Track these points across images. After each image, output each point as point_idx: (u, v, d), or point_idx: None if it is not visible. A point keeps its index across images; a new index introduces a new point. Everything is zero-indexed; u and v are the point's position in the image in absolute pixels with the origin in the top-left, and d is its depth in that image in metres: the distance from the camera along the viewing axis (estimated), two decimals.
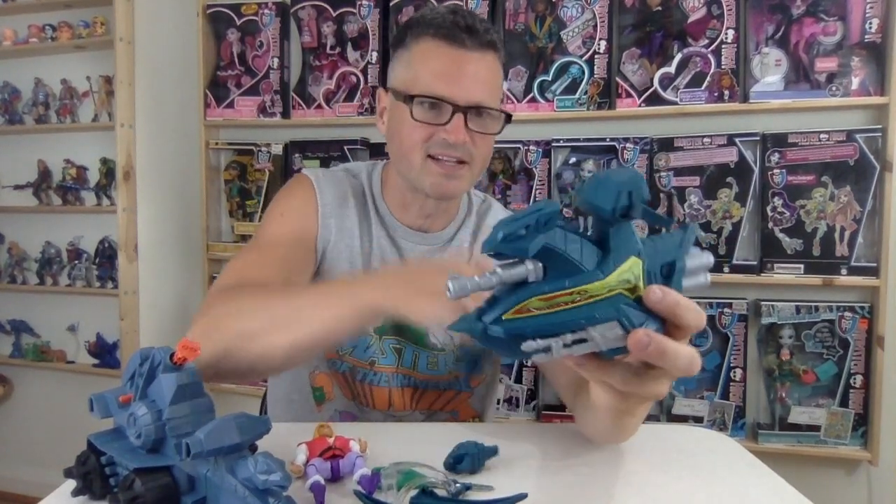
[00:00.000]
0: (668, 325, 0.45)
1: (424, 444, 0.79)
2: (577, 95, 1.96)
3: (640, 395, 0.49)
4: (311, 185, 1.02)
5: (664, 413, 1.94)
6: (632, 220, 0.43)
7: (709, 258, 0.46)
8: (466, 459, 0.72)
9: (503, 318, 0.42)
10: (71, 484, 0.62)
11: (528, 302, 0.42)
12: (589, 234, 0.44)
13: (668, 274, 0.45)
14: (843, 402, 1.82)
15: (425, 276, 0.68)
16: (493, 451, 0.73)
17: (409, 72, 0.94)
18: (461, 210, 1.09)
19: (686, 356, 0.44)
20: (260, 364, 0.74)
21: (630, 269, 0.43)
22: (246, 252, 0.96)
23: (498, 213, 1.12)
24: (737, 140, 1.85)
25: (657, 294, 0.43)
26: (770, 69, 1.83)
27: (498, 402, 2.03)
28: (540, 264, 0.42)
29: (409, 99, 0.92)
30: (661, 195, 1.91)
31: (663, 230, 0.51)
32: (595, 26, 1.95)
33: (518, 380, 2.04)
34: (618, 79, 1.93)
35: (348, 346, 1.01)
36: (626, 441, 0.81)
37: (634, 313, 0.43)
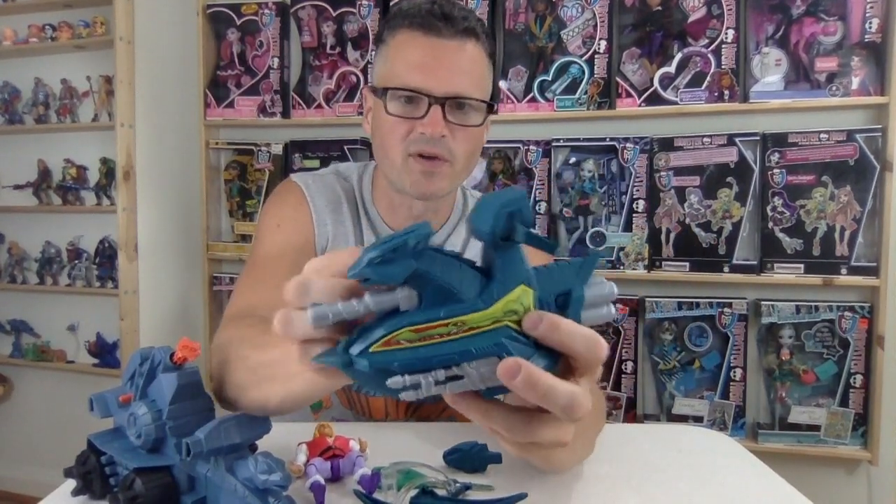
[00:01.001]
0: (563, 360, 0.38)
1: (424, 444, 0.79)
2: (577, 95, 1.96)
3: (532, 442, 0.40)
4: (302, 193, 0.99)
5: (664, 413, 1.94)
6: (516, 244, 0.38)
7: (611, 288, 0.40)
8: (458, 454, 0.72)
9: (370, 350, 0.37)
10: (71, 484, 0.62)
11: (398, 333, 0.37)
12: (476, 263, 0.39)
13: (564, 305, 0.39)
14: (843, 402, 1.82)
15: None
16: (497, 458, 0.73)
17: (386, 66, 0.90)
18: (454, 212, 1.05)
19: (565, 394, 0.36)
20: (262, 412, 0.66)
21: (518, 300, 0.37)
22: (250, 269, 0.93)
23: None
24: (737, 140, 1.85)
25: (533, 319, 0.37)
26: (770, 69, 1.83)
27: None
28: (414, 292, 0.37)
29: (383, 93, 0.88)
30: (662, 195, 1.91)
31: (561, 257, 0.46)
32: (595, 26, 1.95)
33: None
34: (618, 79, 1.93)
35: None
36: (575, 466, 0.72)
37: (518, 347, 0.37)
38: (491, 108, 0.91)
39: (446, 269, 0.37)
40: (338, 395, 1.01)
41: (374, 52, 0.92)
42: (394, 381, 0.37)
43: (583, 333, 0.37)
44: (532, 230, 0.38)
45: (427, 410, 1.02)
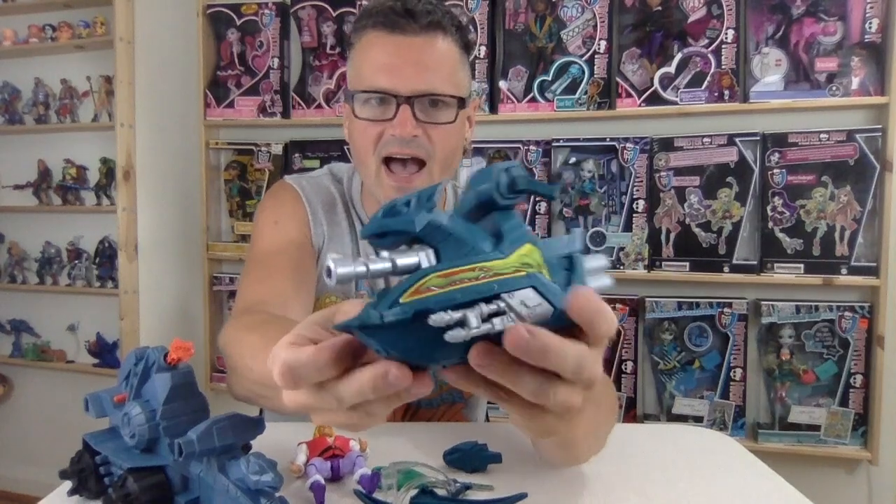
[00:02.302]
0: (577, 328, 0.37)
1: (424, 444, 0.79)
2: (577, 95, 1.96)
3: (543, 407, 0.38)
4: (297, 193, 0.99)
5: (664, 413, 1.93)
6: (517, 200, 0.37)
7: (605, 260, 0.41)
8: (458, 454, 0.72)
9: (400, 301, 0.34)
10: (70, 484, 0.62)
11: (426, 280, 0.34)
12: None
13: (569, 267, 0.39)
14: (843, 402, 1.81)
15: None
16: (497, 458, 0.73)
17: (354, 70, 0.88)
18: (448, 205, 1.04)
19: (574, 355, 0.35)
20: (280, 414, 0.73)
21: (530, 255, 0.37)
22: (251, 267, 0.92)
23: None
24: (737, 140, 1.84)
25: (582, 297, 0.35)
26: (770, 69, 1.83)
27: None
28: (431, 249, 0.36)
29: (351, 98, 0.87)
30: (662, 195, 1.90)
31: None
32: (595, 26, 1.94)
33: None
34: (618, 79, 1.93)
35: None
36: (591, 456, 0.73)
37: (550, 286, 0.36)
38: (463, 103, 0.88)
39: (459, 225, 0.36)
40: None
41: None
42: (437, 318, 0.33)
43: (609, 316, 0.36)
44: (532, 178, 0.37)
45: (424, 418, 1.02)
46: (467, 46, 0.92)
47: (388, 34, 0.84)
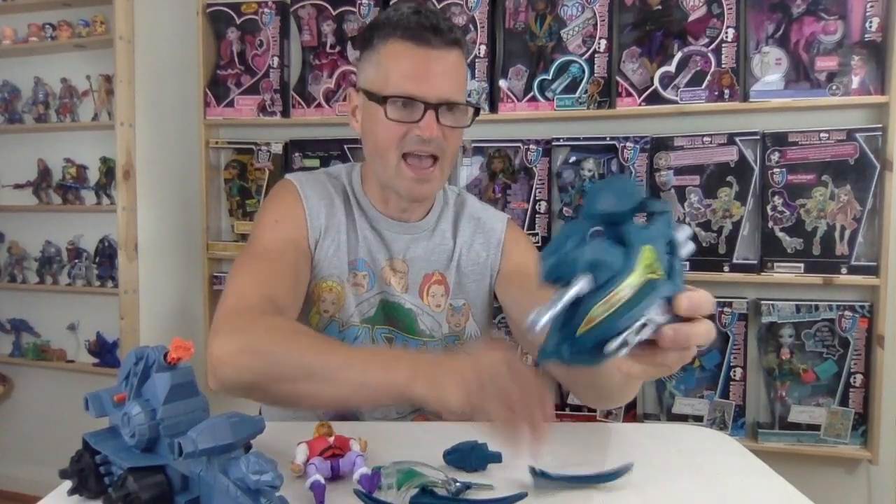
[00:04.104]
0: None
1: (424, 444, 0.79)
2: (577, 94, 1.96)
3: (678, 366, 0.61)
4: (297, 190, 1.06)
5: (664, 413, 1.93)
6: (640, 213, 0.53)
7: (689, 231, 0.56)
8: (457, 454, 0.72)
9: (578, 334, 0.51)
10: (70, 484, 0.62)
11: (591, 312, 0.50)
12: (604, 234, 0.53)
13: (671, 251, 0.54)
14: (843, 402, 1.81)
15: (455, 363, 0.69)
16: (497, 458, 0.73)
17: (380, 73, 0.98)
18: (438, 199, 1.14)
19: (704, 333, 0.56)
20: (283, 403, 0.85)
21: (649, 260, 0.52)
22: (249, 262, 0.97)
23: (474, 204, 1.17)
24: (737, 139, 1.84)
25: (685, 302, 0.54)
26: (770, 68, 1.83)
27: None
28: (590, 275, 0.50)
29: (382, 100, 0.96)
30: (662, 194, 1.90)
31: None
32: (595, 25, 1.94)
33: None
34: (618, 78, 1.92)
35: (339, 336, 1.03)
36: (627, 399, 0.92)
37: (666, 289, 0.53)
38: (477, 112, 1.02)
39: (604, 252, 0.51)
40: None
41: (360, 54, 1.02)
42: (610, 347, 0.50)
43: (708, 303, 0.56)
44: (651, 198, 0.55)
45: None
46: (469, 56, 1.09)
47: (415, 45, 0.95)
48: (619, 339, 0.50)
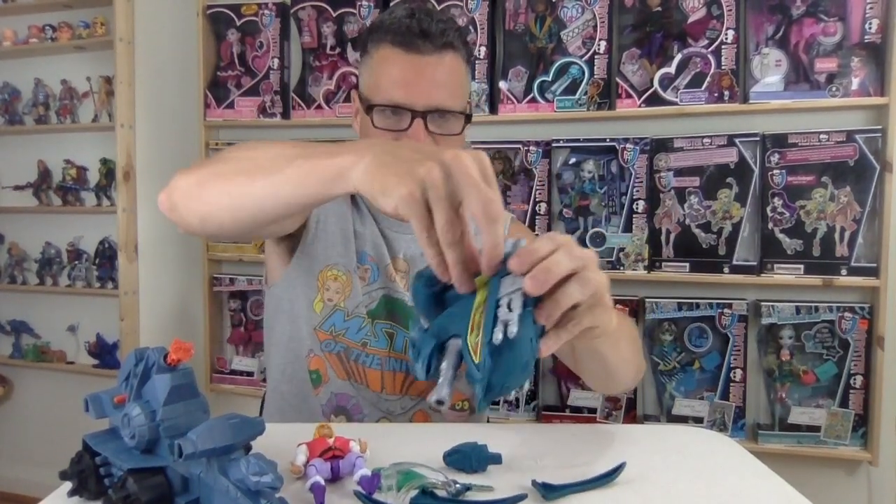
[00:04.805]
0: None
1: (424, 445, 0.79)
2: (577, 96, 1.96)
3: (588, 328, 0.59)
4: None
5: (664, 413, 1.93)
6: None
7: (511, 243, 0.57)
8: (456, 456, 0.72)
9: (477, 362, 0.51)
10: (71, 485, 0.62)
11: (470, 343, 0.52)
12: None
13: (503, 272, 0.55)
14: (843, 403, 1.81)
15: (412, 152, 0.57)
16: (497, 459, 0.73)
17: (372, 79, 0.96)
18: None
19: (546, 248, 0.54)
20: (233, 203, 0.72)
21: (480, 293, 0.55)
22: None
23: None
24: (737, 140, 1.84)
25: (513, 261, 0.53)
26: (770, 69, 1.83)
27: (497, 403, 2.03)
28: (454, 337, 0.54)
29: (369, 109, 0.95)
30: (661, 196, 1.90)
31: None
32: (595, 27, 1.94)
33: None
34: (618, 79, 1.93)
35: (342, 328, 1.03)
36: (630, 380, 0.92)
37: (502, 276, 0.54)
38: (469, 118, 0.98)
39: (448, 312, 0.56)
40: (335, 369, 1.03)
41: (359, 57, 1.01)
42: (498, 336, 0.51)
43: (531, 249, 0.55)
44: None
45: (420, 388, 1.04)
46: (470, 55, 1.02)
47: (404, 52, 0.92)
48: (500, 327, 0.51)
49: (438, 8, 2.03)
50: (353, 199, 1.08)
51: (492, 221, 0.52)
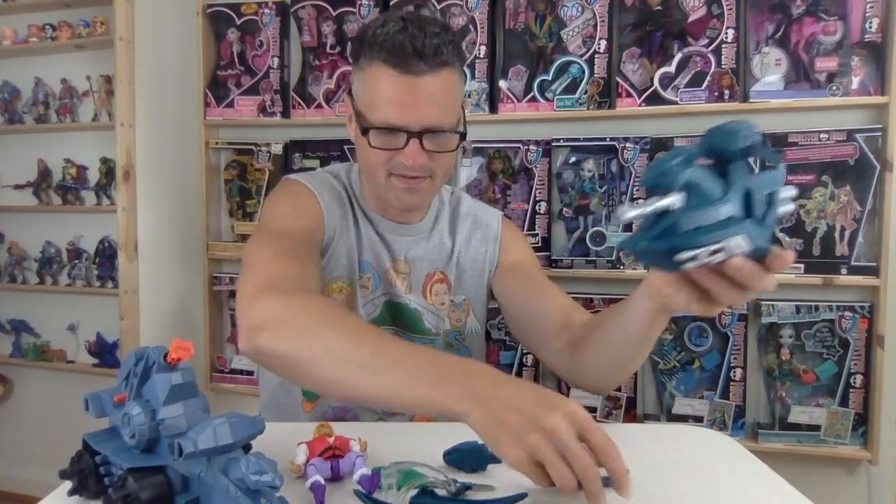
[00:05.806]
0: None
1: (424, 444, 0.79)
2: (577, 95, 1.96)
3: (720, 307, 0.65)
4: (310, 190, 1.04)
5: (664, 413, 1.93)
6: (748, 157, 0.57)
7: (794, 191, 0.60)
8: (457, 455, 0.72)
9: (655, 236, 0.56)
10: (70, 485, 0.62)
11: (678, 224, 0.55)
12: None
13: (770, 202, 0.58)
14: (843, 402, 1.81)
15: (521, 408, 0.61)
16: (497, 458, 0.73)
17: (366, 94, 0.95)
18: (434, 200, 1.14)
19: (767, 280, 0.60)
20: (311, 385, 0.85)
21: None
22: (274, 240, 0.92)
23: (468, 202, 1.18)
24: None
25: (777, 261, 0.59)
26: (770, 69, 1.83)
27: None
28: (684, 193, 0.55)
29: (365, 130, 0.94)
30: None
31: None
32: (595, 26, 1.94)
33: None
34: (618, 78, 1.92)
35: None
36: (634, 369, 0.97)
37: (752, 231, 0.56)
38: (463, 137, 0.99)
39: (704, 179, 0.56)
40: None
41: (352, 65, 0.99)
42: (680, 256, 0.56)
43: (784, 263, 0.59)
44: (764, 145, 0.63)
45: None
46: (465, 62, 1.04)
47: (398, 72, 0.90)
48: (691, 253, 0.55)
49: (438, 7, 2.02)
50: (351, 203, 1.08)
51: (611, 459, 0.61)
